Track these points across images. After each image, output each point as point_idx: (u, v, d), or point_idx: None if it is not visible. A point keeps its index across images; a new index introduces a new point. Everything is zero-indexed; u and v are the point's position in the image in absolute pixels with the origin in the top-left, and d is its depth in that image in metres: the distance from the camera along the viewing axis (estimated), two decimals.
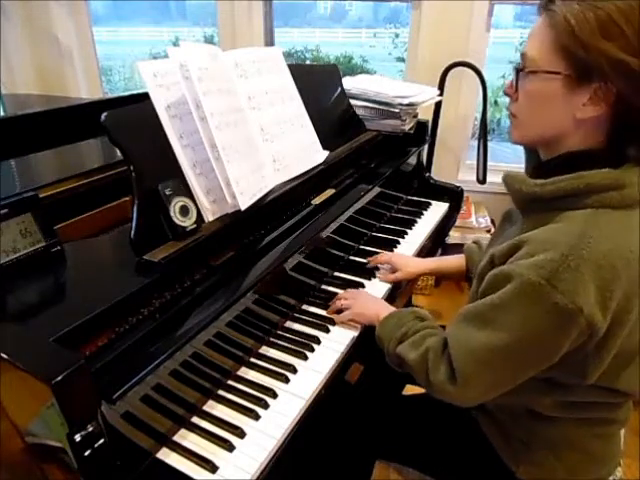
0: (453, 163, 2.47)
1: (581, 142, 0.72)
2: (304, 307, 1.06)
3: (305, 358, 0.91)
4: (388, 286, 1.16)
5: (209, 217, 0.90)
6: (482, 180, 2.07)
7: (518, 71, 0.74)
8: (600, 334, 0.67)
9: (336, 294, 1.11)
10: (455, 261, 1.18)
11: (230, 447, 0.74)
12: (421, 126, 1.61)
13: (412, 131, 1.57)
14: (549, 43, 0.69)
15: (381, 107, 1.52)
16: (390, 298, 1.15)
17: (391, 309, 0.97)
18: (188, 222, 0.85)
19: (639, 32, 0.63)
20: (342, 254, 1.23)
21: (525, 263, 0.67)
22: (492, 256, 0.77)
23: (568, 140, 0.73)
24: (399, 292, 1.19)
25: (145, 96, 0.84)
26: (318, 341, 0.96)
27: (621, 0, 0.64)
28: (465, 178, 2.36)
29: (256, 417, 0.79)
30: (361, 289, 1.12)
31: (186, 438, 0.75)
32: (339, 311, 1.03)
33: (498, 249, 0.76)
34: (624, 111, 0.67)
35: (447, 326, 0.82)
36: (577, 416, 0.81)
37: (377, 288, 1.15)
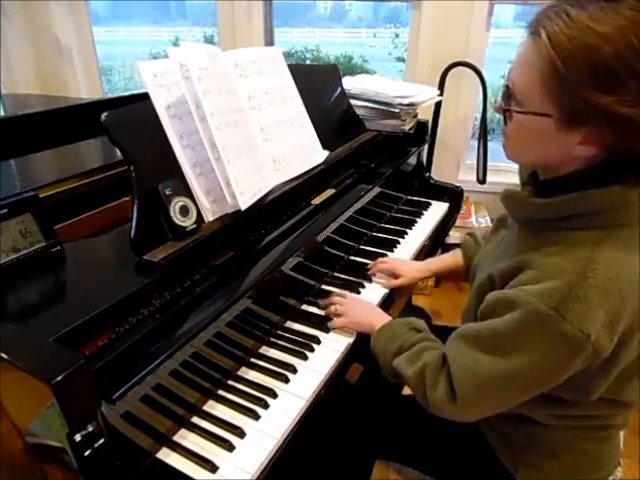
0: (453, 163, 2.47)
1: (580, 166, 0.68)
2: (304, 307, 1.06)
3: (305, 358, 0.91)
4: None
5: (209, 217, 0.90)
6: (482, 180, 2.07)
7: (504, 110, 0.69)
8: (605, 356, 0.66)
9: (336, 294, 1.11)
10: (454, 259, 1.18)
11: (230, 447, 0.74)
12: (421, 126, 1.61)
13: (412, 131, 1.57)
14: (537, 80, 0.63)
15: (381, 107, 1.52)
16: (390, 299, 1.15)
17: (386, 318, 0.95)
18: (188, 222, 0.85)
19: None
20: (342, 254, 1.23)
21: (531, 290, 0.65)
22: (491, 276, 0.75)
23: (565, 167, 0.70)
24: (398, 293, 1.19)
25: (145, 96, 0.84)
26: (318, 341, 0.95)
27: (613, 26, 0.57)
28: (465, 178, 2.36)
29: (256, 417, 0.79)
30: (355, 295, 1.10)
31: (186, 438, 0.75)
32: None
33: (498, 269, 0.74)
34: (622, 151, 0.64)
35: (446, 343, 0.80)
36: (576, 424, 0.81)
37: (377, 289, 1.15)
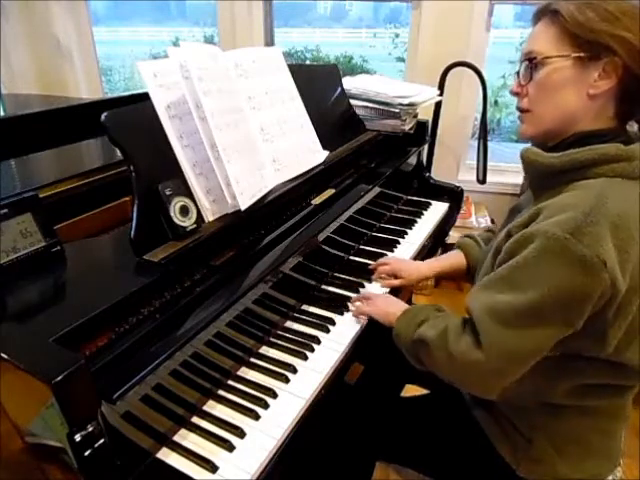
0: (453, 163, 2.47)
1: (591, 125, 0.76)
2: (304, 307, 1.06)
3: (305, 358, 0.91)
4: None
5: (209, 217, 0.90)
6: (482, 180, 2.07)
7: (530, 60, 0.78)
8: (620, 296, 0.68)
9: (336, 294, 1.11)
10: (455, 260, 1.18)
11: (230, 447, 0.73)
12: (421, 126, 1.61)
13: (412, 131, 1.57)
14: (554, 35, 0.75)
15: (381, 107, 1.52)
16: None
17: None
18: (188, 222, 0.85)
19: (630, 16, 0.72)
20: (342, 254, 1.23)
21: (547, 222, 0.70)
22: (509, 230, 0.78)
23: (579, 125, 0.77)
24: (398, 292, 1.19)
25: (145, 96, 0.84)
26: (318, 341, 0.95)
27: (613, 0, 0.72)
28: (465, 178, 2.36)
29: (256, 417, 0.79)
30: (384, 293, 1.10)
31: (186, 438, 0.75)
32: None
33: (515, 223, 0.77)
34: (631, 82, 0.73)
35: (466, 298, 0.80)
36: (586, 403, 0.81)
37: (377, 289, 1.15)
